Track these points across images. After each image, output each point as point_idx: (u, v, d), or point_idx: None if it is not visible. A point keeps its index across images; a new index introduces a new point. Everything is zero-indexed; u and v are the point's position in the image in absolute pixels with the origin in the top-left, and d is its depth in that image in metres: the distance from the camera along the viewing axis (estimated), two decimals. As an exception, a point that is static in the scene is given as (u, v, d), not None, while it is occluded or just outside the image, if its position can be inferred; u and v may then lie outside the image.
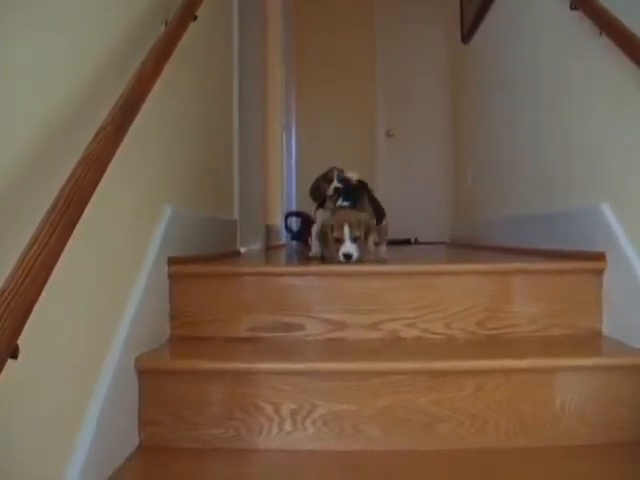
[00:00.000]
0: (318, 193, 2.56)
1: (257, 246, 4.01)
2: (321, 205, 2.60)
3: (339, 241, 2.27)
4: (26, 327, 0.99)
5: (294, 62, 6.60)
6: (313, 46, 6.88)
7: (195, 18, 2.17)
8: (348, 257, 2.25)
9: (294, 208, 6.15)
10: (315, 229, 2.54)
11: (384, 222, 2.56)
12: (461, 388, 1.73)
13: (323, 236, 2.35)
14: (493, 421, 1.72)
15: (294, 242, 5.18)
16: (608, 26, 1.95)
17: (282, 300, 2.06)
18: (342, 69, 6.98)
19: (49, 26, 1.34)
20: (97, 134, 1.35)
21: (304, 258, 2.78)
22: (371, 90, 7.06)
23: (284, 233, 5.30)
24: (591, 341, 1.98)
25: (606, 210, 2.04)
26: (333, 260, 2.29)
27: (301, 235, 4.95)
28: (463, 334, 2.03)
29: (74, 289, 1.42)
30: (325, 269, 2.13)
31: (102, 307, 1.60)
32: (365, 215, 2.37)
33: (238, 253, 3.31)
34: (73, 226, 1.17)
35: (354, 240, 2.26)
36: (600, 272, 2.03)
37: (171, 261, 2.06)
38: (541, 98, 2.77)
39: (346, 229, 2.26)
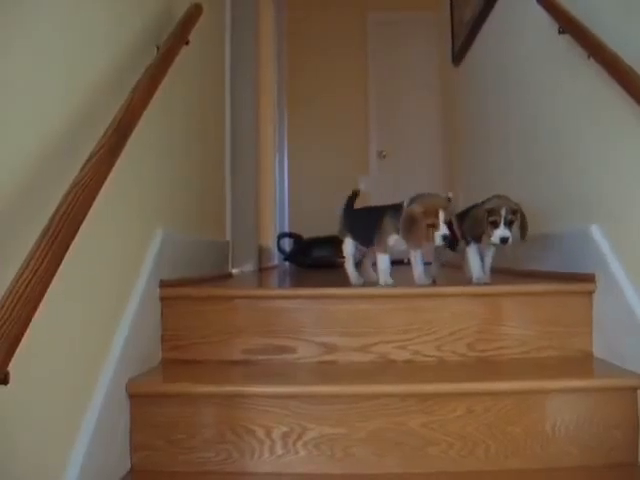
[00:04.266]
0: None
1: (250, 267, 4.01)
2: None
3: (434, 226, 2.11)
4: (18, 351, 1.00)
5: (286, 83, 6.63)
6: (306, 67, 6.92)
7: (187, 42, 2.19)
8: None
9: (287, 229, 6.16)
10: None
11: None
12: (451, 411, 1.73)
13: (411, 223, 2.13)
14: (483, 444, 1.72)
15: (287, 263, 5.19)
16: (595, 49, 1.97)
17: (274, 323, 2.06)
18: (335, 90, 7.01)
19: (42, 48, 1.35)
20: (89, 159, 1.36)
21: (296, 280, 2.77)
22: (364, 111, 7.09)
23: (277, 254, 5.31)
24: (582, 363, 1.98)
25: (595, 231, 2.05)
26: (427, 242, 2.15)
27: (294, 256, 4.96)
28: (454, 356, 2.04)
29: (66, 313, 1.42)
30: (316, 292, 2.13)
31: (94, 330, 1.60)
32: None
33: (230, 275, 3.31)
34: (65, 251, 1.18)
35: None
36: (590, 294, 2.04)
37: (163, 284, 2.06)
38: (530, 120, 2.79)
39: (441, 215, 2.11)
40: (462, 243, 2.36)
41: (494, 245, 2.25)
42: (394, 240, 2.25)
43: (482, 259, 2.34)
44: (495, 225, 2.18)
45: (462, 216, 2.41)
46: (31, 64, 1.31)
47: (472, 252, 2.31)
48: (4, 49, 1.22)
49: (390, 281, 2.25)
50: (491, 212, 2.19)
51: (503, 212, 2.17)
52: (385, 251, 2.28)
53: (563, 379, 1.80)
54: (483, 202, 2.27)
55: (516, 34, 2.99)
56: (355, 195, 2.59)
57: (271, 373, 1.93)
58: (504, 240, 2.16)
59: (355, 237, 2.47)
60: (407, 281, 2.30)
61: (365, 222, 2.41)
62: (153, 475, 1.73)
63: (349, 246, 2.49)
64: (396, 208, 2.25)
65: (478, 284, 2.21)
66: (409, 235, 2.15)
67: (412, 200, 2.20)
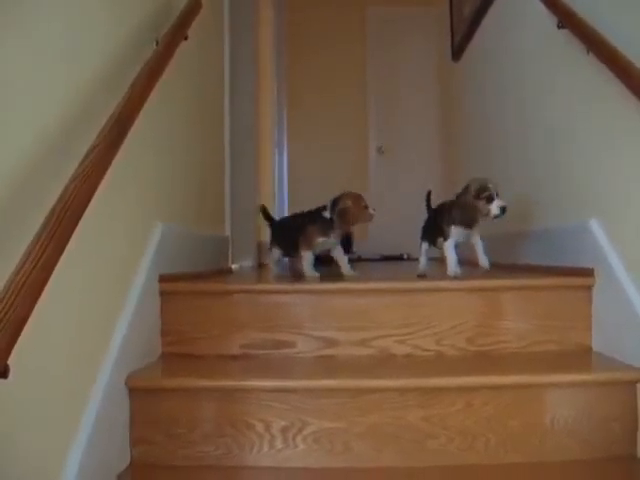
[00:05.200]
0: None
1: (249, 263, 4.01)
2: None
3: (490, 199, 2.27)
4: (17, 344, 1.00)
5: (286, 79, 6.62)
6: (305, 63, 6.90)
7: (186, 38, 2.19)
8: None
9: (286, 224, 6.14)
10: None
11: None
12: (451, 404, 1.74)
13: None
14: (483, 437, 1.72)
15: (286, 259, 5.18)
16: (594, 44, 1.97)
17: (273, 317, 2.07)
18: (334, 85, 7.00)
19: (42, 46, 1.35)
20: (89, 152, 1.36)
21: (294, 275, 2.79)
22: (363, 106, 7.08)
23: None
24: (581, 357, 1.99)
25: (594, 226, 2.05)
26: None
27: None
28: (453, 350, 2.04)
29: (65, 306, 1.42)
30: (315, 287, 2.13)
31: (93, 325, 1.60)
32: None
33: (230, 270, 3.31)
34: (65, 244, 1.18)
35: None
36: (589, 288, 2.04)
37: (162, 278, 2.06)
38: (529, 115, 2.79)
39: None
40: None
41: (495, 217, 2.27)
42: (321, 241, 2.54)
43: (475, 250, 2.43)
44: (490, 199, 2.24)
45: (436, 211, 2.58)
46: (31, 62, 1.31)
47: (450, 247, 2.38)
48: (4, 49, 1.22)
49: (315, 274, 2.50)
50: (481, 190, 2.26)
51: (491, 186, 2.25)
52: (310, 248, 2.55)
53: (562, 373, 1.81)
54: (461, 193, 2.35)
55: (515, 29, 2.99)
56: (264, 210, 2.88)
57: (271, 367, 1.93)
58: (504, 209, 2.23)
59: (281, 248, 2.78)
60: (405, 276, 2.30)
61: (287, 234, 2.71)
62: (152, 469, 1.73)
63: (275, 254, 2.81)
64: (317, 214, 2.57)
65: (456, 278, 2.25)
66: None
67: (336, 201, 2.52)
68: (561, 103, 2.39)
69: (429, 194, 2.76)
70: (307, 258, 2.55)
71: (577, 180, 2.24)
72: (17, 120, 1.26)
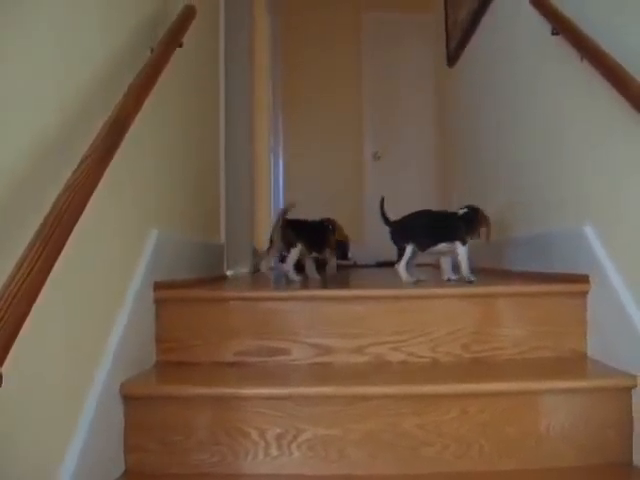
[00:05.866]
0: None
1: (244, 270, 4.01)
2: None
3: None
4: (11, 352, 0.99)
5: (281, 84, 6.63)
6: (300, 69, 6.91)
7: (181, 45, 2.19)
8: None
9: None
10: None
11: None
12: (446, 412, 1.73)
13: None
14: (477, 444, 1.72)
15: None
16: (587, 51, 1.97)
17: (268, 325, 2.06)
18: (329, 91, 7.01)
19: (37, 50, 1.35)
20: (82, 161, 1.36)
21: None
22: (358, 112, 7.09)
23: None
24: (576, 363, 1.99)
25: (589, 232, 2.05)
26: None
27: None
28: (448, 357, 2.04)
29: (59, 314, 1.42)
30: (311, 294, 2.13)
31: (88, 332, 1.60)
32: None
33: (225, 277, 3.31)
34: (58, 253, 1.18)
35: None
36: (584, 294, 2.04)
37: (157, 286, 2.06)
38: (522, 121, 2.79)
39: None
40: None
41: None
42: None
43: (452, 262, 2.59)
44: None
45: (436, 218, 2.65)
46: (31, 62, 1.31)
47: (466, 252, 2.50)
48: (4, 49, 1.22)
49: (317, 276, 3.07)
50: None
51: None
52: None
53: (557, 380, 1.81)
54: (478, 214, 2.55)
55: (510, 35, 2.99)
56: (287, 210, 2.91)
57: (265, 375, 1.93)
58: None
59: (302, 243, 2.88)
60: (400, 282, 2.31)
61: (308, 235, 2.95)
62: (147, 477, 1.72)
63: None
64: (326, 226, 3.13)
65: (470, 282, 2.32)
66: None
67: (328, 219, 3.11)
68: (555, 109, 2.39)
69: (382, 201, 2.75)
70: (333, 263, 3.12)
71: (572, 186, 2.24)
72: (17, 120, 1.26)
